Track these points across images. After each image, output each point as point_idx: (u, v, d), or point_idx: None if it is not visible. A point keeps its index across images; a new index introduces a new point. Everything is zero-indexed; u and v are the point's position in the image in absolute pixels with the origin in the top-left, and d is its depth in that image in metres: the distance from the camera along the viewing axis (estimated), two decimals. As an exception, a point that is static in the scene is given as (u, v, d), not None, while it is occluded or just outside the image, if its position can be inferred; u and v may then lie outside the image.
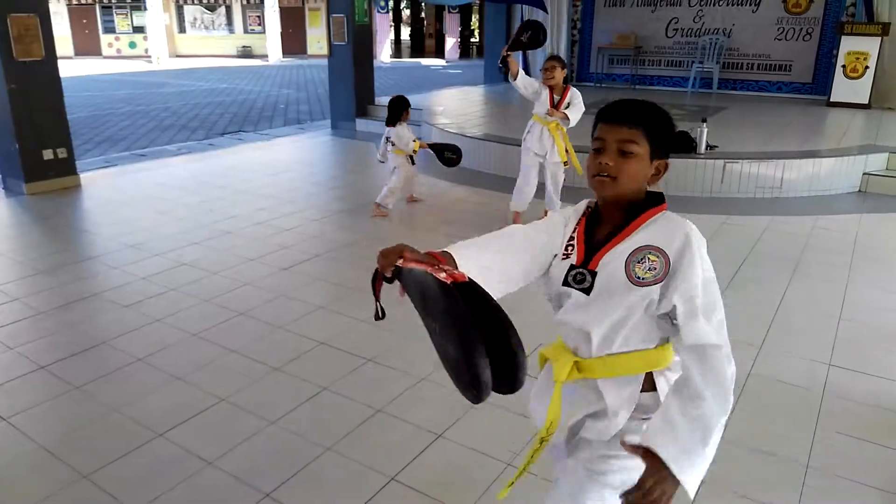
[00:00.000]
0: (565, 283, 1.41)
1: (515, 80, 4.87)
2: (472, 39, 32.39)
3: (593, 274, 1.38)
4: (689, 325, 1.29)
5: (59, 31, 26.57)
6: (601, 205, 1.47)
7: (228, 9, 28.45)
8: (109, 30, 27.55)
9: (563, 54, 12.25)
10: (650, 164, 1.43)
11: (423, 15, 32.13)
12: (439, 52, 29.44)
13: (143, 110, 12.83)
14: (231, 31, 28.71)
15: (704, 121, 6.39)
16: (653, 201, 1.45)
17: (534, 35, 4.94)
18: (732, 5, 10.90)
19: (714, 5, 11.07)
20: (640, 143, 1.39)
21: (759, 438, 2.64)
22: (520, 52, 10.13)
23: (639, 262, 1.34)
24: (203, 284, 4.18)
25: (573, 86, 5.04)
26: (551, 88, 4.89)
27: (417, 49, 31.60)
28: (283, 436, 2.68)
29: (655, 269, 1.32)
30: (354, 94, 9.75)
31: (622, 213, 1.43)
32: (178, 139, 9.68)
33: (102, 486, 2.38)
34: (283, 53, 26.91)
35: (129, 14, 27.40)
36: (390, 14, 29.06)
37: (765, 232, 5.23)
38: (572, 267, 1.41)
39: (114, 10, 27.33)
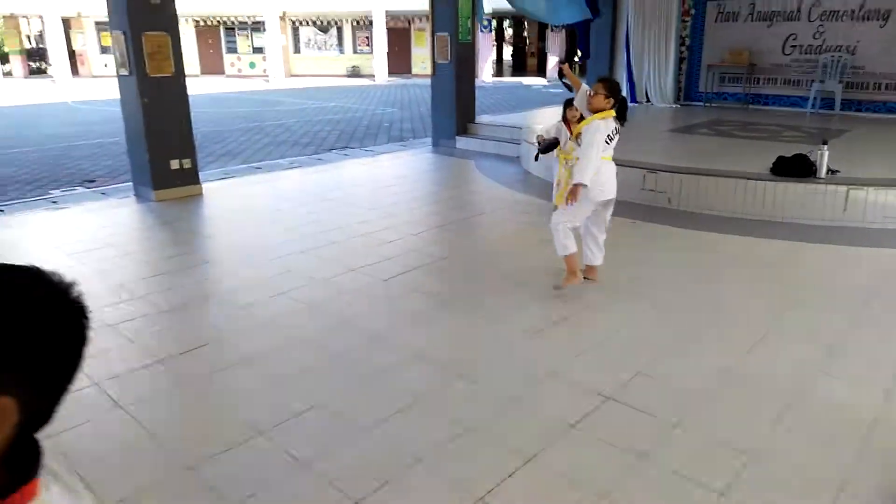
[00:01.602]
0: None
1: (578, 92, 4.46)
2: (575, 59, 32.09)
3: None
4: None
5: (187, 51, 28.81)
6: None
7: (339, 30, 29.86)
8: (232, 50, 29.69)
9: (670, 72, 11.90)
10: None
11: (525, 34, 32.22)
12: (541, 71, 29.40)
13: (259, 126, 13.66)
14: (342, 51, 30.10)
15: (825, 142, 5.96)
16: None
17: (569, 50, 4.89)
18: (857, 20, 10.13)
19: (836, 20, 10.35)
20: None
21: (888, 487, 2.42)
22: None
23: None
24: (309, 291, 4.37)
25: (621, 120, 4.18)
26: (582, 116, 4.37)
27: (519, 68, 31.71)
28: (375, 444, 2.73)
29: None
30: (456, 112, 9.92)
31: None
32: (291, 154, 10.21)
33: (204, 478, 2.52)
34: (389, 73, 27.86)
35: (249, 35, 29.40)
36: (493, 34, 29.39)
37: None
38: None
39: (236, 32, 29.43)
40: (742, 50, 11.26)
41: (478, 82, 12.50)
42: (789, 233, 5.58)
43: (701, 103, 11.83)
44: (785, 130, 8.87)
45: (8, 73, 27.94)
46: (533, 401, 3.04)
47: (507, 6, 9.33)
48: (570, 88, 4.61)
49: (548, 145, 5.04)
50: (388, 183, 7.89)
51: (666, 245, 5.38)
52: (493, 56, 30.38)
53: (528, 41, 32.01)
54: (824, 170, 5.92)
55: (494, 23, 29.39)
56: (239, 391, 3.16)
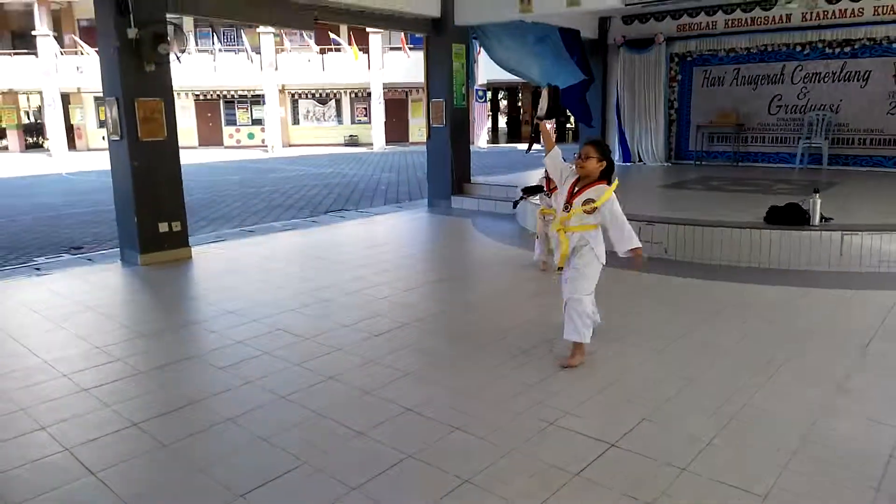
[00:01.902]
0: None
1: (548, 154, 3.95)
2: (568, 125, 32.84)
3: (571, 206, 3.73)
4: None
5: (186, 124, 29.52)
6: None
7: (338, 101, 30.60)
8: (231, 122, 30.29)
9: (660, 133, 12.07)
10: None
11: (519, 103, 33.07)
12: (535, 137, 29.90)
13: (255, 192, 13.70)
14: (340, 121, 30.74)
15: (816, 191, 5.93)
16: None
17: (552, 100, 4.22)
18: (839, 81, 10.44)
19: (819, 82, 10.64)
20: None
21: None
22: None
23: (586, 204, 3.67)
24: (296, 349, 4.17)
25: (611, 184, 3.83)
26: (576, 181, 3.75)
27: (514, 135, 32.34)
28: (364, 503, 2.49)
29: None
30: (451, 172, 9.95)
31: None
32: (285, 217, 10.16)
33: (177, 547, 2.26)
34: (387, 141, 28.35)
35: (248, 108, 30.08)
36: (488, 104, 30.15)
37: (894, 307, 4.67)
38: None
39: (235, 105, 30.12)
40: (729, 111, 11.48)
41: (473, 148, 12.68)
42: (786, 279, 5.50)
43: (692, 162, 11.95)
44: (775, 184, 8.90)
45: (3, 148, 28.33)
46: (534, 451, 2.81)
47: (502, 77, 9.60)
48: (530, 146, 4.40)
49: (532, 189, 4.87)
50: (383, 241, 7.78)
51: (664, 293, 5.24)
52: (489, 124, 31.03)
53: (521, 110, 32.83)
54: (818, 217, 5.87)
55: (490, 93, 30.21)
56: (217, 453, 2.91)
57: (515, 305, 5.05)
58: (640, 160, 12.42)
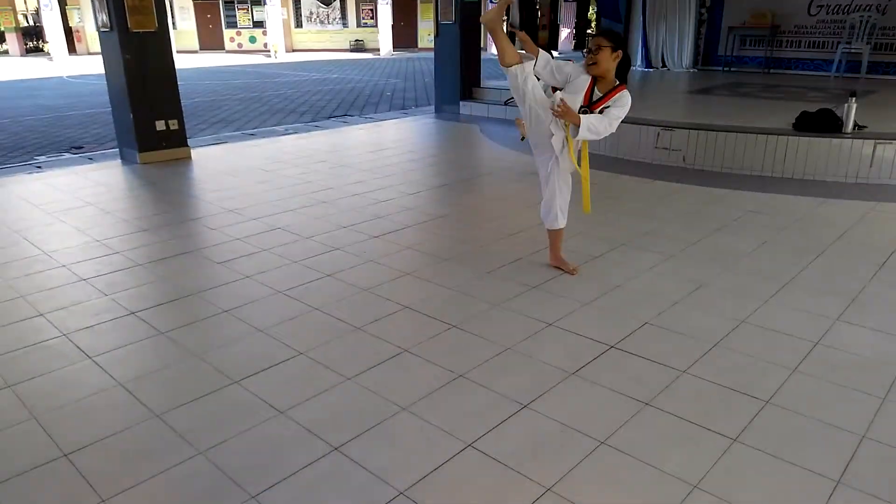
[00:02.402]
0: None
1: (536, 62, 3.33)
2: (588, 31, 31.48)
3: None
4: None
5: (186, 26, 28.51)
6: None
7: (343, 3, 29.27)
8: (231, 25, 29.17)
9: (689, 35, 11.45)
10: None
11: (537, 7, 31.57)
12: (552, 43, 28.81)
13: (257, 97, 13.33)
14: (345, 25, 29.54)
15: (853, 95, 5.60)
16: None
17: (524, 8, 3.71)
18: (889, -25, 9.66)
19: (867, -24, 9.88)
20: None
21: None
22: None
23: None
24: (294, 247, 4.11)
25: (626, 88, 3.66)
26: (594, 79, 3.28)
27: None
28: (358, 392, 2.48)
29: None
30: (460, 76, 9.55)
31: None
32: (287, 122, 9.91)
33: (172, 425, 2.28)
34: (394, 47, 27.35)
35: (249, 9, 28.86)
36: (499, 7, 28.74)
37: (921, 218, 4.52)
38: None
39: (235, 6, 28.89)
40: (765, 11, 10.80)
41: (486, 55, 12.12)
42: (812, 189, 5.30)
43: (720, 68, 11.40)
44: (808, 91, 8.51)
45: (4, 52, 27.60)
46: (530, 349, 2.78)
47: None
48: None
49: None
50: (386, 146, 7.58)
51: (679, 201, 5.09)
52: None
53: (539, 14, 31.35)
54: (851, 124, 5.59)
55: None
56: (214, 342, 2.91)
57: (520, 211, 4.93)
58: (664, 66, 11.87)
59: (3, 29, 27.97)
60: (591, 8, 31.39)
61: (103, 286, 3.54)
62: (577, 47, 28.40)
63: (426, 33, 28.34)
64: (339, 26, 29.52)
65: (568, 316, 3.10)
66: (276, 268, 3.79)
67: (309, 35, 29.45)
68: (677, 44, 11.66)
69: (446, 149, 7.69)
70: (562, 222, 3.61)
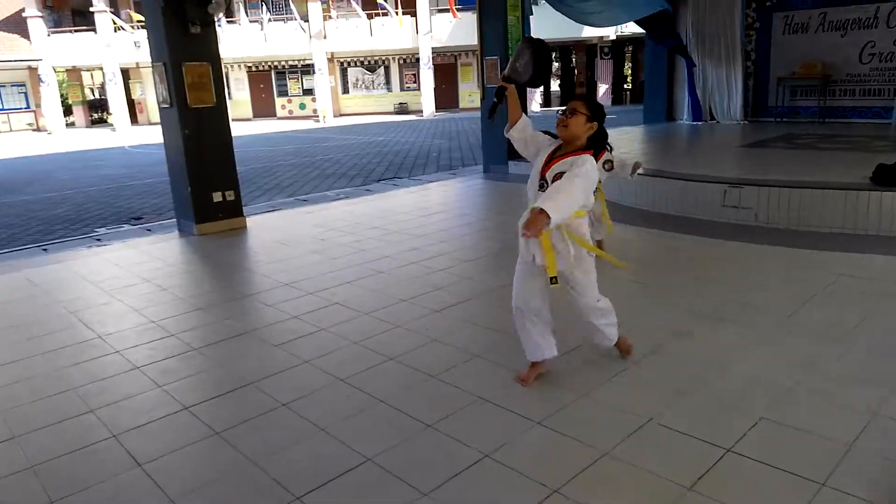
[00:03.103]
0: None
1: (512, 127, 3.00)
2: (625, 86, 31.50)
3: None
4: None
5: (241, 95, 29.72)
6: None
7: (387, 69, 30.14)
8: (283, 93, 30.31)
9: (737, 88, 11.16)
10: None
11: (573, 64, 31.85)
12: (497, 101, 28.83)
13: (308, 161, 13.53)
14: (389, 89, 30.33)
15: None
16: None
17: (536, 60, 2.98)
18: (941, 22, 9.31)
19: (919, 24, 9.53)
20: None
21: None
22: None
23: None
24: (353, 326, 3.88)
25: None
26: (556, 149, 2.86)
27: (568, 98, 31.20)
28: (436, 513, 2.17)
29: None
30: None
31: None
32: (338, 185, 9.93)
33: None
34: (437, 108, 27.82)
35: (299, 78, 29.98)
36: (541, 65, 29.09)
37: None
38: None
39: (287, 76, 30.07)
40: (814, 61, 10.48)
41: (531, 114, 12.08)
42: (877, 246, 4.87)
43: (772, 119, 11.03)
44: (871, 141, 8.05)
45: (70, 124, 29.18)
46: (630, 455, 2.42)
47: (556, 36, 8.94)
48: (493, 111, 3.06)
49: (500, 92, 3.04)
50: (438, 210, 7.42)
51: (760, 265, 4.69)
52: (541, 88, 30.08)
53: (576, 71, 31.60)
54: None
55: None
56: (272, 444, 2.64)
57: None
58: (713, 118, 11.58)
59: (71, 102, 29.68)
60: (626, 64, 31.53)
61: (157, 375, 3.36)
62: (616, 102, 28.36)
63: (467, 94, 28.84)
64: (384, 90, 30.32)
65: (666, 410, 2.74)
66: (335, 350, 3.55)
67: (355, 100, 30.30)
68: (726, 96, 11.37)
69: (499, 210, 7.48)
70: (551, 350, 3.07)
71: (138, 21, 24.57)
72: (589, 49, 28.81)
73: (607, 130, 2.95)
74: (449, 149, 14.89)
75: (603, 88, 27.91)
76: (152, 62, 6.26)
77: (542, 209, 2.49)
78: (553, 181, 2.73)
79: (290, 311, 4.18)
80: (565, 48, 30.53)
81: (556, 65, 34.24)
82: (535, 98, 27.40)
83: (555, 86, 34.55)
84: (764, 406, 2.72)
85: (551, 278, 2.82)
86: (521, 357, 3.23)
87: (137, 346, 3.75)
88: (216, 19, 6.18)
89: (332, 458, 2.53)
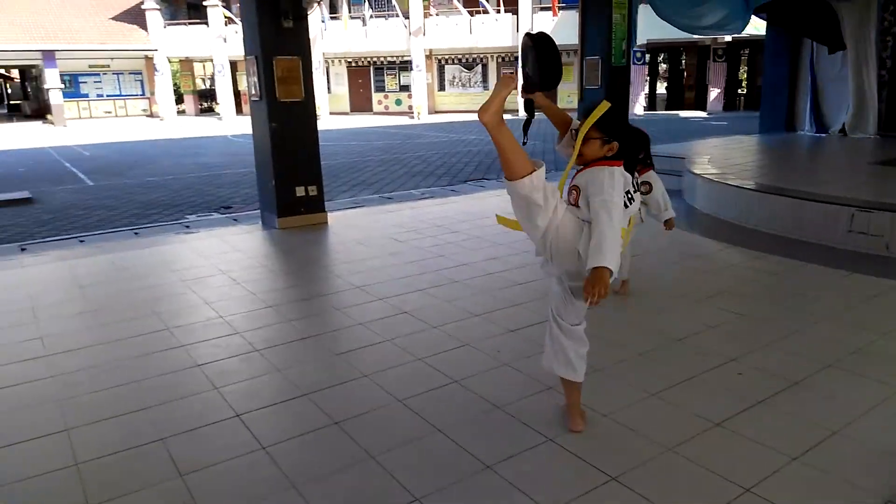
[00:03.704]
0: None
1: (562, 136, 2.65)
2: (739, 91, 29.66)
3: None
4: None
5: (339, 91, 30.44)
6: None
7: (484, 67, 29.90)
8: (380, 88, 30.77)
9: (871, 98, 10.02)
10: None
11: (682, 66, 30.35)
12: (699, 104, 27.43)
13: (397, 158, 13.49)
14: (485, 87, 30.07)
15: None
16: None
17: (541, 58, 2.41)
18: None
19: None
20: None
21: None
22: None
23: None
24: (419, 339, 3.63)
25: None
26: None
27: (674, 103, 29.80)
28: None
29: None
30: (605, 140, 8.90)
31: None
32: (424, 184, 9.77)
33: None
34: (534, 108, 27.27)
35: (397, 74, 30.31)
36: (646, 67, 27.92)
37: None
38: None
39: (385, 72, 30.48)
40: (963, 69, 9.27)
41: (632, 117, 11.44)
42: None
43: (907, 133, 9.87)
44: None
45: (181, 112, 30.92)
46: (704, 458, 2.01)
47: (664, 36, 8.33)
48: (525, 130, 2.60)
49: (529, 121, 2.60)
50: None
51: (892, 305, 4.04)
52: (646, 90, 28.84)
53: (685, 74, 30.07)
54: None
55: (648, 56, 27.93)
56: (319, 468, 2.43)
57: (686, 306, 4.14)
58: (841, 131, 10.49)
59: (182, 91, 31.48)
60: (741, 68, 29.64)
61: (215, 375, 3.24)
62: (728, 108, 26.74)
63: (566, 95, 28.07)
64: (480, 88, 30.10)
65: (770, 483, 2.29)
66: (397, 365, 3.31)
67: (451, 97, 30.28)
68: (857, 106, 10.24)
69: (591, 221, 7.02)
70: (579, 372, 2.57)
71: (249, 15, 25.60)
72: (700, 51, 27.32)
73: (647, 140, 2.72)
74: (543, 151, 14.42)
75: (714, 93, 26.39)
76: (245, 55, 6.29)
77: (602, 266, 2.15)
78: (569, 193, 2.42)
79: (358, 318, 3.99)
80: (674, 49, 29.13)
81: (663, 66, 32.84)
82: (640, 101, 26.25)
83: (661, 88, 33.10)
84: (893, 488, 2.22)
85: None
86: (605, 396, 2.87)
87: (202, 343, 3.68)
88: (321, 17, 6.14)
89: (375, 492, 2.29)
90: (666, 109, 28.77)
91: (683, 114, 25.79)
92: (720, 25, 9.18)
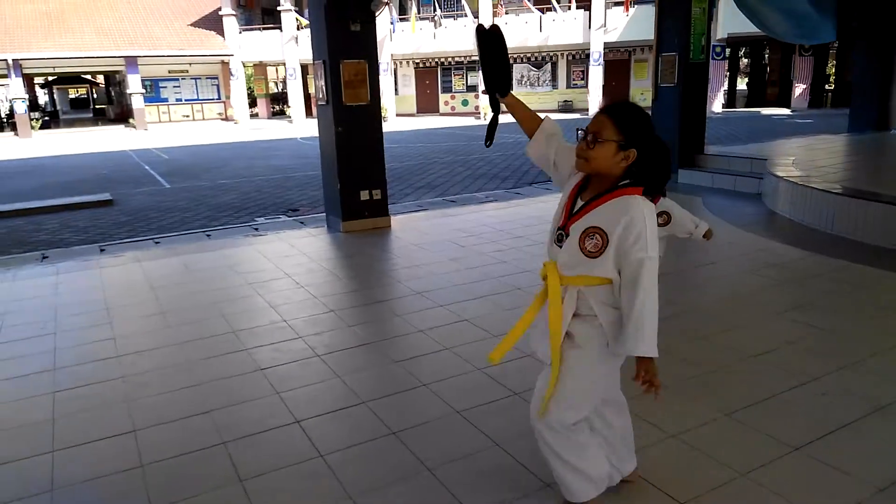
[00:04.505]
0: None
1: (531, 140, 2.18)
2: (827, 87, 28.02)
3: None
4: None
5: (406, 92, 30.69)
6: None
7: (554, 65, 29.50)
8: (447, 89, 30.84)
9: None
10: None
11: (766, 61, 28.95)
12: (783, 101, 26.11)
13: (462, 160, 13.45)
14: (554, 86, 29.68)
15: None
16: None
17: (484, 53, 2.09)
18: None
19: None
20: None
21: None
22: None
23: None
24: (480, 348, 3.55)
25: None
26: (587, 177, 1.96)
27: (756, 99, 28.46)
28: None
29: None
30: (679, 141, 8.57)
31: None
32: (488, 187, 9.68)
33: None
34: (604, 107, 26.68)
35: (464, 74, 30.30)
36: (726, 63, 26.77)
37: None
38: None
39: (452, 72, 30.53)
40: None
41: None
42: None
43: None
44: None
45: (254, 115, 31.98)
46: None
47: (747, 30, 7.88)
48: (490, 134, 2.26)
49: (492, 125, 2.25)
50: (592, 220, 6.86)
51: None
52: (725, 86, 27.65)
53: (768, 69, 28.66)
54: None
55: (728, 50, 26.77)
56: (375, 478, 2.39)
57: (763, 319, 3.89)
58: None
59: (255, 94, 32.55)
60: (829, 62, 28.00)
61: (276, 380, 3.27)
62: (813, 105, 25.34)
63: (638, 93, 27.35)
64: (549, 87, 29.73)
65: (861, 519, 2.08)
66: (456, 375, 3.25)
67: (518, 97, 29.94)
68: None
69: (662, 225, 6.75)
70: (591, 491, 2.06)
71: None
72: (785, 45, 25.98)
73: (666, 153, 1.87)
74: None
75: (799, 89, 25.04)
76: (313, 59, 6.38)
77: (646, 357, 1.84)
78: (582, 239, 1.86)
79: (418, 324, 3.95)
80: (757, 43, 27.81)
81: (744, 61, 31.40)
82: (718, 98, 25.19)
83: (742, 84, 31.67)
84: None
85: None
86: (673, 415, 2.70)
87: (265, 347, 3.72)
88: (390, 19, 6.17)
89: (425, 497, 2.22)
90: (746, 107, 27.52)
91: (765, 111, 24.61)
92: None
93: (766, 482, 2.28)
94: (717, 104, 24.87)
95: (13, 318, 4.32)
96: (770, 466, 2.37)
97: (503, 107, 2.16)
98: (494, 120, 2.22)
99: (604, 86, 26.53)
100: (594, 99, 26.38)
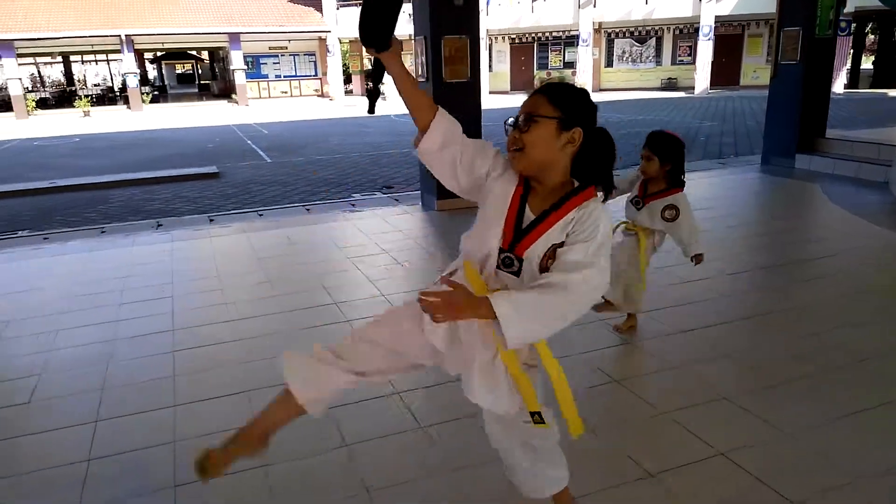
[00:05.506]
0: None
1: (421, 133, 1.70)
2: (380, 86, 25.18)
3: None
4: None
5: (500, 68, 30.28)
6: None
7: (658, 40, 28.21)
8: (543, 66, 30.20)
9: None
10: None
11: (895, 38, 26.41)
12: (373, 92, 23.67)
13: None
14: (658, 63, 28.43)
15: None
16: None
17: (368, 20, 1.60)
18: None
19: None
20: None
21: None
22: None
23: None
24: (580, 337, 3.46)
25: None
26: (524, 183, 1.64)
27: (883, 79, 26.04)
28: None
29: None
30: (798, 123, 7.97)
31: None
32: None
33: None
34: (712, 85, 25.29)
35: (561, 50, 29.55)
36: (850, 39, 24.64)
37: None
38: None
39: (549, 48, 29.83)
40: None
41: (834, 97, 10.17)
42: None
43: None
44: None
45: (349, 92, 32.62)
46: None
47: (874, 4, 7.15)
48: (370, 104, 1.93)
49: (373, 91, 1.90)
50: (700, 206, 6.51)
51: None
52: (848, 65, 25.49)
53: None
54: None
55: (854, 26, 24.61)
56: (478, 451, 2.41)
57: (885, 319, 3.58)
58: None
59: (351, 71, 33.14)
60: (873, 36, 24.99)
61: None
62: (850, 86, 22.79)
63: (751, 70, 25.74)
64: (652, 64, 28.51)
65: None
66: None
67: (618, 74, 29.01)
68: None
69: (777, 214, 6.36)
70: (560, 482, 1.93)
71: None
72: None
73: (682, 149, 2.23)
74: (721, 133, 13.34)
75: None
76: (414, 35, 6.39)
77: (490, 303, 1.45)
78: (545, 260, 1.55)
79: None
80: (888, 17, 25.37)
81: (871, 37, 28.77)
82: (841, 77, 23.24)
83: (867, 63, 29.08)
84: None
85: (532, 414, 1.68)
86: (787, 413, 2.55)
87: (365, 319, 3.79)
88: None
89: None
90: (871, 87, 25.24)
91: (893, 93, 22.49)
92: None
93: (888, 489, 2.10)
94: (838, 84, 22.98)
95: (135, 280, 4.66)
96: (892, 473, 2.18)
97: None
98: (373, 90, 1.84)
99: (713, 62, 25.12)
100: (702, 76, 25.06)
